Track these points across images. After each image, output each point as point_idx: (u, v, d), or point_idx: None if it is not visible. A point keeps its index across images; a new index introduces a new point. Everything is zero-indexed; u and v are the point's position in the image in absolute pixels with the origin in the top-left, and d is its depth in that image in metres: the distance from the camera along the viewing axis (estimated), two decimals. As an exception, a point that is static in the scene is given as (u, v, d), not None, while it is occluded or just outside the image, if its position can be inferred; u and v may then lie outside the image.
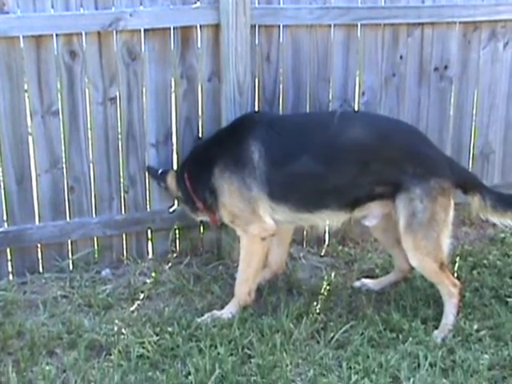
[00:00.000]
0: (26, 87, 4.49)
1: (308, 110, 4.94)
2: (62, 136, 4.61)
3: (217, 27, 4.63)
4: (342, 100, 5.00)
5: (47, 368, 3.74)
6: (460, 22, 5.12)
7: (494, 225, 4.82)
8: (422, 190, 4.13)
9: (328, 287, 4.67)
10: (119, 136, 4.74)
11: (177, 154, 4.86)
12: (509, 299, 4.50)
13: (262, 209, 4.27)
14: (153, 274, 4.76)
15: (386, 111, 5.07)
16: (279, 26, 4.79)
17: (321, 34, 4.86)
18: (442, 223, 4.19)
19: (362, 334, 4.13)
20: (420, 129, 4.80)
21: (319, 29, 4.85)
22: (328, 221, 4.45)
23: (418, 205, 4.13)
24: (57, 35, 4.42)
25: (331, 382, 3.71)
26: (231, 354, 3.90)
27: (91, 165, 4.72)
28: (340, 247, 5.20)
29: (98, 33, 4.48)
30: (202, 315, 4.30)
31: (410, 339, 4.07)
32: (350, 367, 3.84)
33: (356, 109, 5.05)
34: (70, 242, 4.79)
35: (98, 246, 4.86)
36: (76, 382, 3.69)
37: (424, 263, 4.23)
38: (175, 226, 4.93)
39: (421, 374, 3.78)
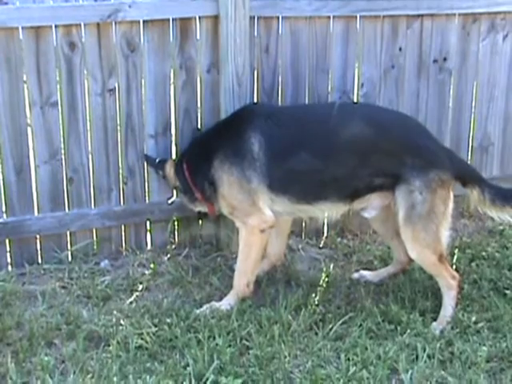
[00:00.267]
0: (25, 78, 4.48)
1: (307, 102, 4.94)
2: (61, 127, 4.61)
3: (216, 19, 4.62)
4: (341, 92, 5.00)
5: (46, 359, 3.74)
6: (459, 14, 5.11)
7: (493, 217, 4.83)
8: (422, 181, 4.13)
9: (326, 279, 4.68)
10: (118, 127, 4.73)
11: (176, 145, 4.86)
12: (507, 291, 4.51)
13: (261, 200, 4.27)
14: (151, 266, 4.76)
15: (385, 103, 5.06)
16: (278, 18, 4.78)
17: (320, 25, 4.86)
18: (441, 215, 4.19)
19: (361, 325, 4.14)
20: (419, 121, 4.79)
21: (318, 20, 4.84)
22: (327, 212, 4.45)
23: (418, 197, 4.13)
24: (56, 26, 4.41)
25: (329, 374, 3.71)
26: (229, 346, 3.90)
27: (90, 156, 4.73)
28: (339, 239, 5.20)
29: (97, 24, 4.48)
30: (201, 306, 4.31)
31: (409, 331, 4.08)
32: (349, 359, 3.84)
33: (355, 100, 5.04)
34: (68, 233, 4.79)
35: (96, 237, 4.87)
36: (75, 372, 3.69)
37: (423, 255, 4.23)
38: (174, 218, 4.94)
39: (419, 366, 3.78)
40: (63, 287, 4.54)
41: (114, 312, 4.23)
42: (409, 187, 4.15)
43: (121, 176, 4.81)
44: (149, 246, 4.99)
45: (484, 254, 4.97)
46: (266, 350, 3.87)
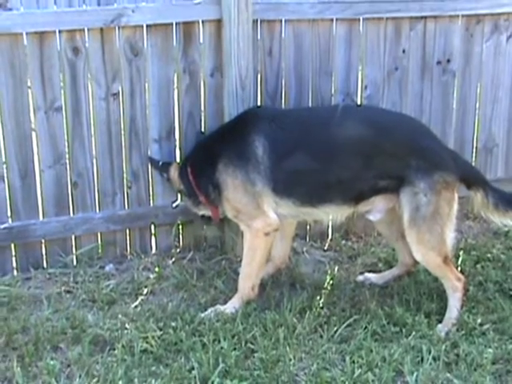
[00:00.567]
0: (29, 83, 4.50)
1: (310, 105, 4.94)
2: (66, 132, 4.63)
3: (219, 22, 4.63)
4: (345, 94, 5.00)
5: (51, 363, 3.75)
6: (462, 15, 5.10)
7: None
8: (426, 183, 4.13)
9: (331, 281, 4.67)
10: (122, 131, 4.74)
11: (180, 149, 4.86)
12: (513, 293, 4.51)
13: (265, 203, 4.28)
14: (156, 269, 4.77)
15: (389, 105, 5.06)
16: (281, 21, 4.78)
17: (323, 28, 4.86)
18: (445, 217, 4.18)
19: (366, 328, 4.14)
20: (423, 122, 4.79)
21: (321, 23, 4.84)
22: (332, 215, 4.45)
23: (422, 199, 4.13)
24: (60, 31, 4.43)
25: (334, 376, 3.71)
26: (234, 349, 3.90)
27: (94, 160, 4.74)
28: (343, 241, 5.20)
29: (101, 29, 4.49)
30: (206, 310, 4.31)
31: (414, 333, 4.07)
32: (354, 361, 3.84)
33: (359, 103, 5.04)
34: (73, 237, 4.80)
35: (101, 241, 4.88)
36: (80, 376, 3.70)
37: (428, 257, 4.23)
38: (178, 221, 4.94)
39: (424, 368, 3.78)
40: (68, 291, 4.55)
41: (119, 316, 4.23)
42: (413, 189, 4.15)
43: (125, 180, 4.82)
44: (153, 250, 5.00)
45: (489, 255, 4.95)
46: (271, 352, 3.87)
